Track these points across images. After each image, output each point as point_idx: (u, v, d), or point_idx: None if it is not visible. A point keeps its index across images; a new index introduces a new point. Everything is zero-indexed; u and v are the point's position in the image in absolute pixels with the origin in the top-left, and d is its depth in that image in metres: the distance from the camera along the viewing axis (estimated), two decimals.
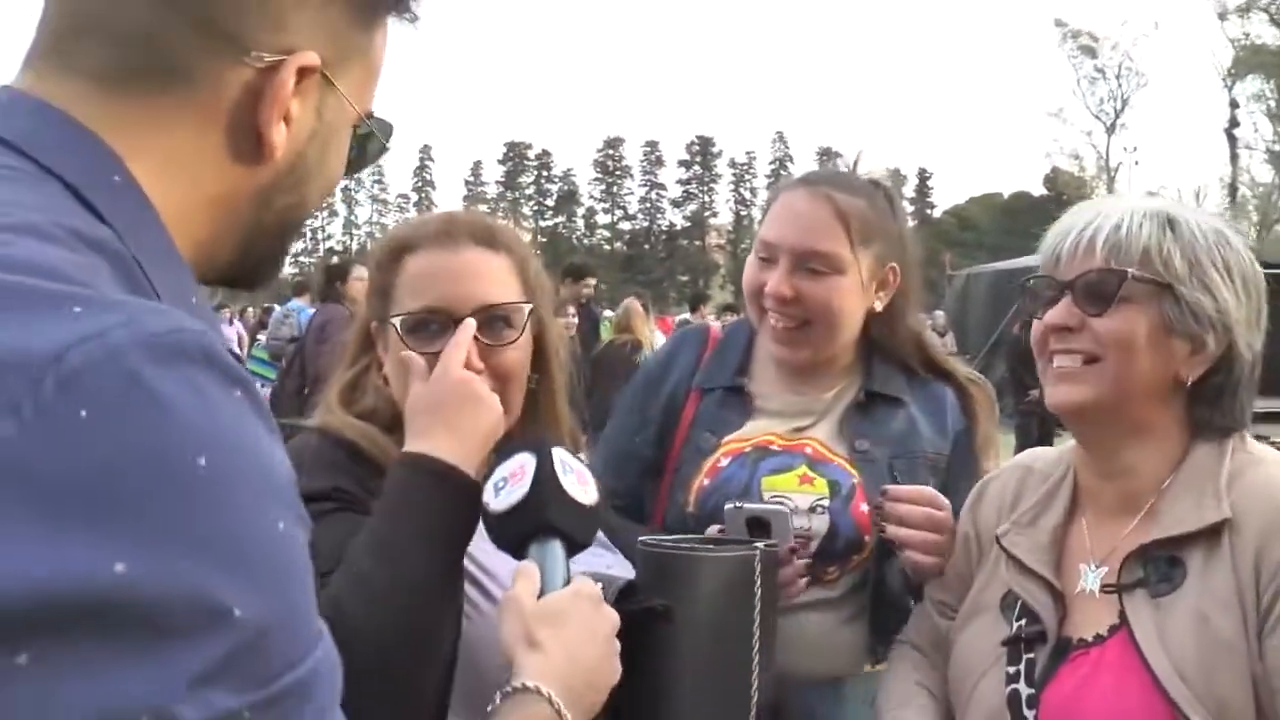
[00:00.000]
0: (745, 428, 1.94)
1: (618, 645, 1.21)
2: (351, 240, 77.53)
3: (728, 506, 1.69)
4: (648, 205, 78.84)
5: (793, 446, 1.90)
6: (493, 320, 1.47)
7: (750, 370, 1.99)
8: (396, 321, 1.46)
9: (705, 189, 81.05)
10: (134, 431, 0.59)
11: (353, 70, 0.89)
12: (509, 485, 1.27)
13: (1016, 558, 1.53)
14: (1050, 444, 12.48)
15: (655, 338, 9.60)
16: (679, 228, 77.75)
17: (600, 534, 1.43)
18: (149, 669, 0.58)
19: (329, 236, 78.86)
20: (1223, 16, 49.64)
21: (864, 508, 1.83)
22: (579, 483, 1.29)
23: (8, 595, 0.55)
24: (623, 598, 1.38)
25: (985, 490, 1.69)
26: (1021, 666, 1.47)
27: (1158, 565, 1.41)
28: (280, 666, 0.63)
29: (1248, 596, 1.33)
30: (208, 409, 0.62)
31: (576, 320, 9.31)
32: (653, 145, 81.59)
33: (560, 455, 1.30)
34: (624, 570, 1.50)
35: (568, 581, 1.22)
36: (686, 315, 17.99)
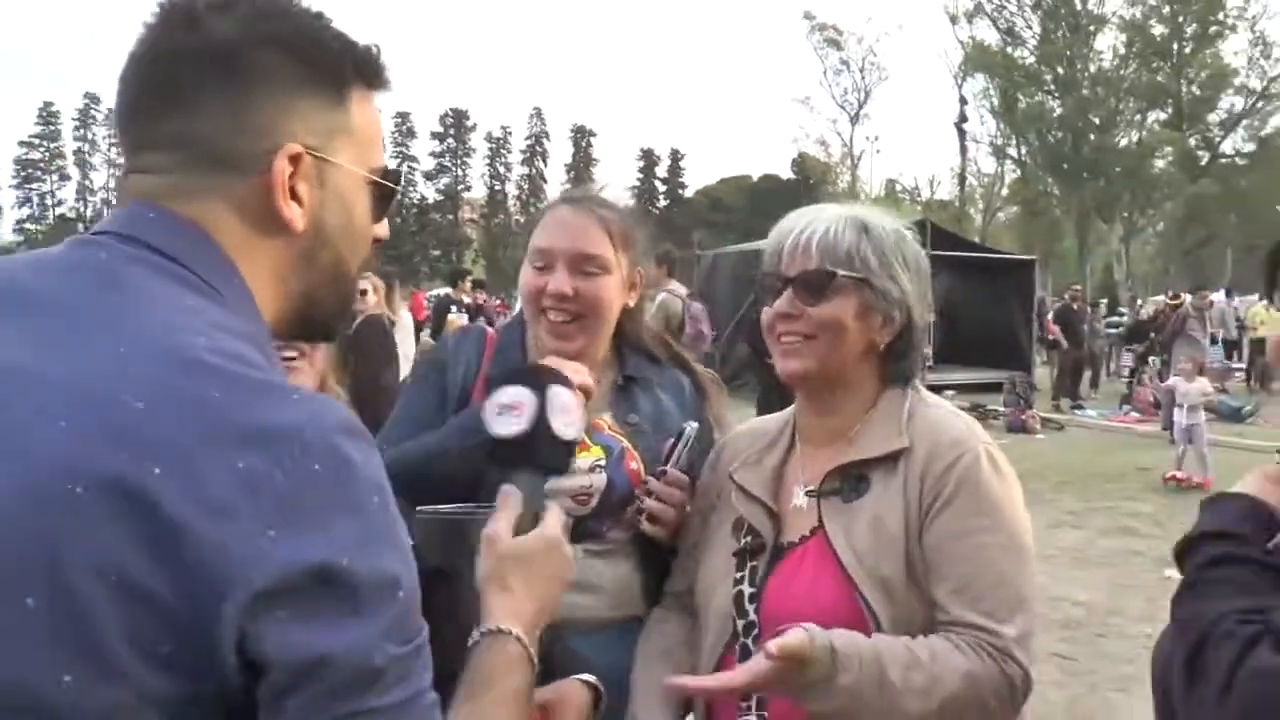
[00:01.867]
0: None
1: (568, 581, 1.43)
2: (85, 207, 72.38)
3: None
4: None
5: (599, 425, 2.17)
6: None
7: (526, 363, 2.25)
8: None
9: (459, 162, 79.97)
10: (344, 480, 0.94)
11: (341, 142, 1.13)
12: (510, 415, 1.50)
13: (743, 488, 1.88)
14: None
15: (405, 316, 9.19)
16: (431, 201, 76.31)
17: None
18: (359, 626, 0.92)
19: (60, 202, 73.61)
20: (954, 20, 52.83)
21: (634, 465, 2.11)
22: (565, 421, 1.51)
23: (276, 573, 0.88)
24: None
25: (724, 447, 2.07)
26: (746, 573, 1.82)
27: (850, 480, 1.79)
28: (416, 629, 0.99)
29: (912, 502, 1.73)
30: (371, 465, 0.97)
31: None
32: (404, 116, 79.56)
33: (554, 395, 1.51)
34: None
35: (542, 508, 1.44)
36: (446, 290, 17.36)
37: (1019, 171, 55.28)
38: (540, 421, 1.49)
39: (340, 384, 1.83)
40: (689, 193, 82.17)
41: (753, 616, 1.78)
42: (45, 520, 0.84)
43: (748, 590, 1.80)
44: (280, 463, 0.90)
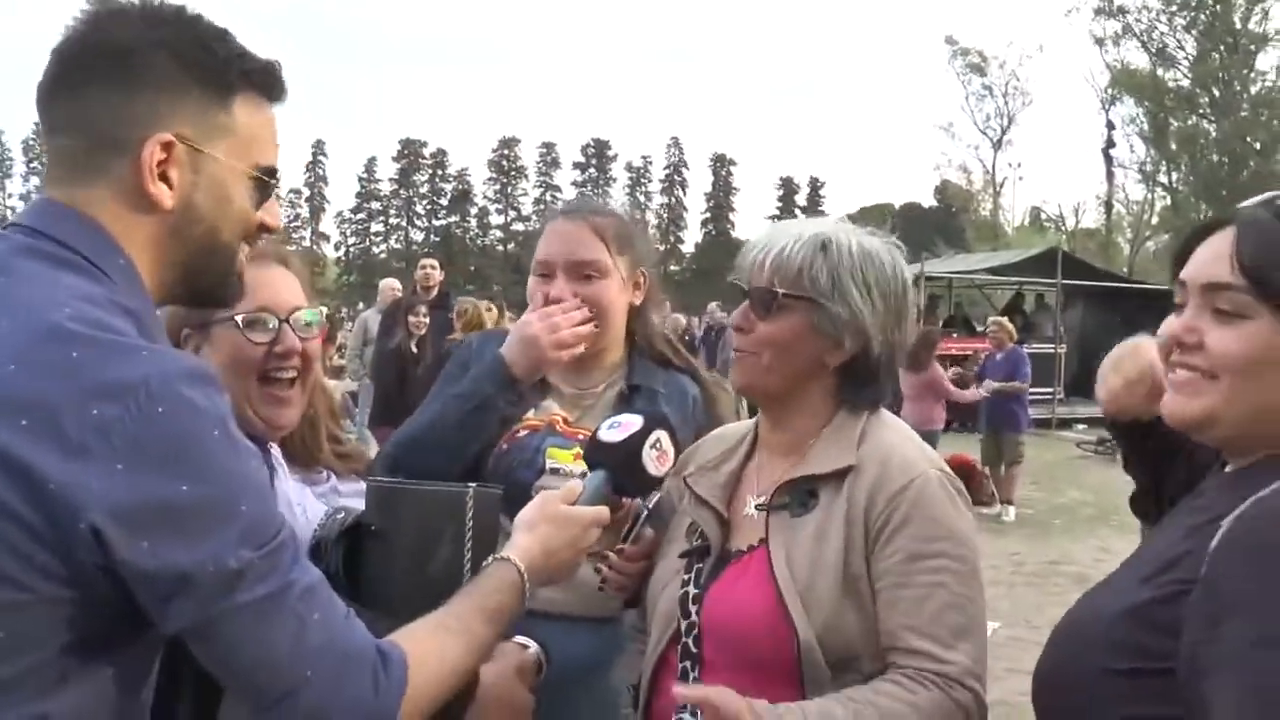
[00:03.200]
0: (541, 406, 2.39)
1: (582, 555, 1.67)
2: None
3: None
4: (542, 207, 78.60)
5: (570, 433, 2.35)
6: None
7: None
8: (239, 318, 1.80)
9: (600, 192, 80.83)
10: (184, 420, 1.17)
11: (220, 138, 1.34)
12: (616, 429, 1.79)
13: (696, 493, 1.92)
14: None
15: None
16: None
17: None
18: (209, 541, 1.16)
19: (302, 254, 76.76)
20: (1100, 43, 51.44)
21: None
22: (657, 459, 1.78)
23: (130, 508, 1.13)
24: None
25: (695, 450, 2.07)
26: (693, 575, 1.85)
27: (799, 495, 1.81)
28: (269, 534, 1.22)
29: (856, 522, 1.74)
30: (215, 404, 1.20)
31: (427, 318, 9.38)
32: (549, 146, 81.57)
33: (659, 436, 1.79)
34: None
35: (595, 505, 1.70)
36: None
37: (1169, 199, 53.40)
38: (635, 442, 1.76)
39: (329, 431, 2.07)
40: None
41: (694, 618, 1.81)
42: None
43: (692, 591, 1.82)
44: (128, 409, 1.12)
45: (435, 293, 9.93)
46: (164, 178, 1.30)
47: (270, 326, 1.82)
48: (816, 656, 1.69)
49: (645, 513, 1.99)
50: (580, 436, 2.28)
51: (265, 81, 1.38)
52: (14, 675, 1.15)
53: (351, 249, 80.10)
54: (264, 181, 1.39)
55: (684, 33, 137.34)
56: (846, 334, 1.81)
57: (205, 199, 1.33)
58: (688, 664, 1.80)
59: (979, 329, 19.41)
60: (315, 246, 79.84)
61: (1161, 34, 50.39)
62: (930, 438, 11.45)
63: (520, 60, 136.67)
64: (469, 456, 2.25)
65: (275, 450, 1.90)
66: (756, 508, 1.86)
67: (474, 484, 1.77)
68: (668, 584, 1.90)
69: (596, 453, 1.78)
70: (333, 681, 1.24)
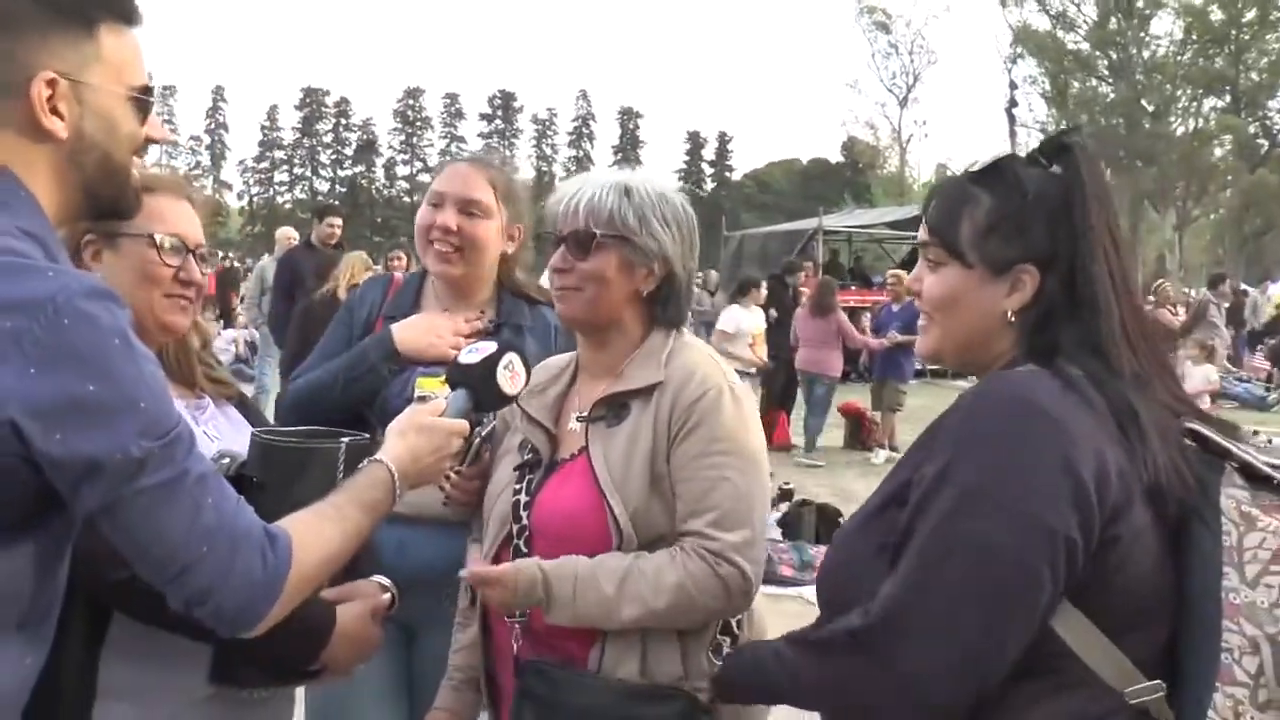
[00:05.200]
0: None
1: (449, 464, 1.88)
2: None
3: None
4: (448, 158, 76.89)
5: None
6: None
7: (420, 305, 2.78)
8: (157, 237, 2.01)
9: (507, 143, 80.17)
10: (86, 331, 1.31)
11: (94, 67, 1.47)
12: (474, 353, 1.98)
13: (527, 412, 2.17)
14: (793, 396, 12.60)
15: None
16: None
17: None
18: (113, 432, 1.33)
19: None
20: (1003, 3, 52.21)
21: None
22: (510, 379, 1.96)
23: (43, 405, 1.29)
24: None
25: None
26: (524, 485, 2.11)
27: (614, 408, 2.07)
28: (166, 428, 1.38)
29: (660, 429, 2.01)
30: (114, 317, 1.35)
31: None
32: (453, 97, 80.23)
33: (511, 358, 1.97)
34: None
35: (490, 431, 2.07)
36: None
37: None
38: (490, 364, 1.95)
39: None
40: (736, 175, 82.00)
41: (525, 522, 2.07)
42: None
43: (524, 499, 2.09)
44: (37, 321, 1.29)
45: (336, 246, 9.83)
46: (54, 111, 1.44)
47: (178, 250, 2.02)
48: (633, 543, 1.98)
49: (480, 437, 2.19)
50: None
51: (122, 7, 1.52)
52: None
53: (255, 199, 78.32)
54: (142, 100, 1.53)
55: None
56: (655, 263, 2.09)
57: (94, 125, 1.48)
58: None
59: (877, 281, 19.75)
60: (217, 195, 77.85)
61: None
62: (828, 385, 11.73)
63: (424, 8, 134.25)
64: (353, 403, 2.61)
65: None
66: (578, 419, 2.13)
67: (347, 437, 2.00)
68: (501, 493, 2.14)
69: (457, 373, 1.98)
70: (226, 557, 1.42)
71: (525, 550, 2.04)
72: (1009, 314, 1.62)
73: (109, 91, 1.49)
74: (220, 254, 28.72)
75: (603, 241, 2.06)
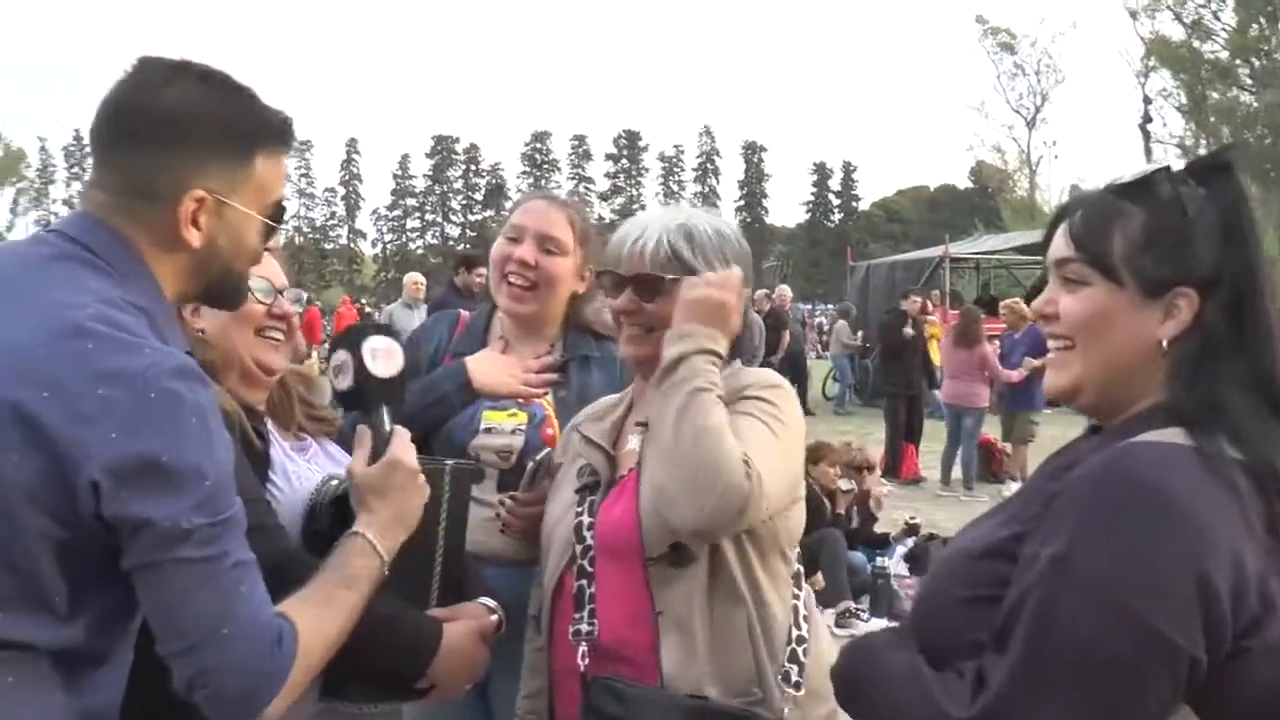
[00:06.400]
0: None
1: (424, 490, 1.85)
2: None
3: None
4: (576, 199, 78.41)
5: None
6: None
7: (488, 341, 2.81)
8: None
9: (633, 183, 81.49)
10: (169, 405, 1.41)
11: (242, 188, 1.58)
12: (340, 375, 1.89)
13: (586, 436, 2.18)
14: (919, 428, 12.13)
15: None
16: (607, 221, 77.66)
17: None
18: (173, 501, 1.41)
19: None
20: (1134, 15, 50.71)
21: (550, 431, 2.62)
22: (385, 360, 1.88)
23: (119, 465, 1.38)
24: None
25: (579, 419, 2.31)
26: (585, 506, 2.08)
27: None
28: (222, 510, 1.46)
29: None
30: (196, 397, 1.45)
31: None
32: (580, 139, 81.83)
33: (369, 345, 1.87)
34: None
35: (390, 432, 1.86)
36: None
37: None
38: (361, 371, 1.86)
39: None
40: (864, 205, 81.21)
41: (589, 541, 2.04)
42: None
43: (586, 520, 2.06)
44: (127, 391, 1.39)
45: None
46: (193, 223, 1.55)
47: (269, 291, 2.09)
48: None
49: (535, 464, 2.29)
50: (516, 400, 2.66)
51: (281, 138, 1.64)
52: (34, 605, 1.42)
53: (388, 245, 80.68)
54: (273, 224, 1.66)
55: (713, 21, 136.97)
56: None
57: (226, 241, 1.59)
58: (584, 582, 2.02)
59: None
60: (352, 244, 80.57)
61: (1197, 5, 49.61)
62: (976, 417, 11.43)
63: (550, 54, 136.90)
64: (424, 433, 2.55)
65: (270, 425, 2.16)
66: (637, 424, 2.13)
67: (452, 461, 2.06)
68: (563, 516, 2.13)
69: (351, 400, 1.91)
70: (240, 644, 1.47)
71: (590, 569, 2.02)
72: (1163, 343, 1.46)
73: (248, 214, 1.60)
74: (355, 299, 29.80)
75: (669, 285, 2.06)
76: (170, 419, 1.41)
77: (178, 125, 1.53)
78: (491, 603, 2.11)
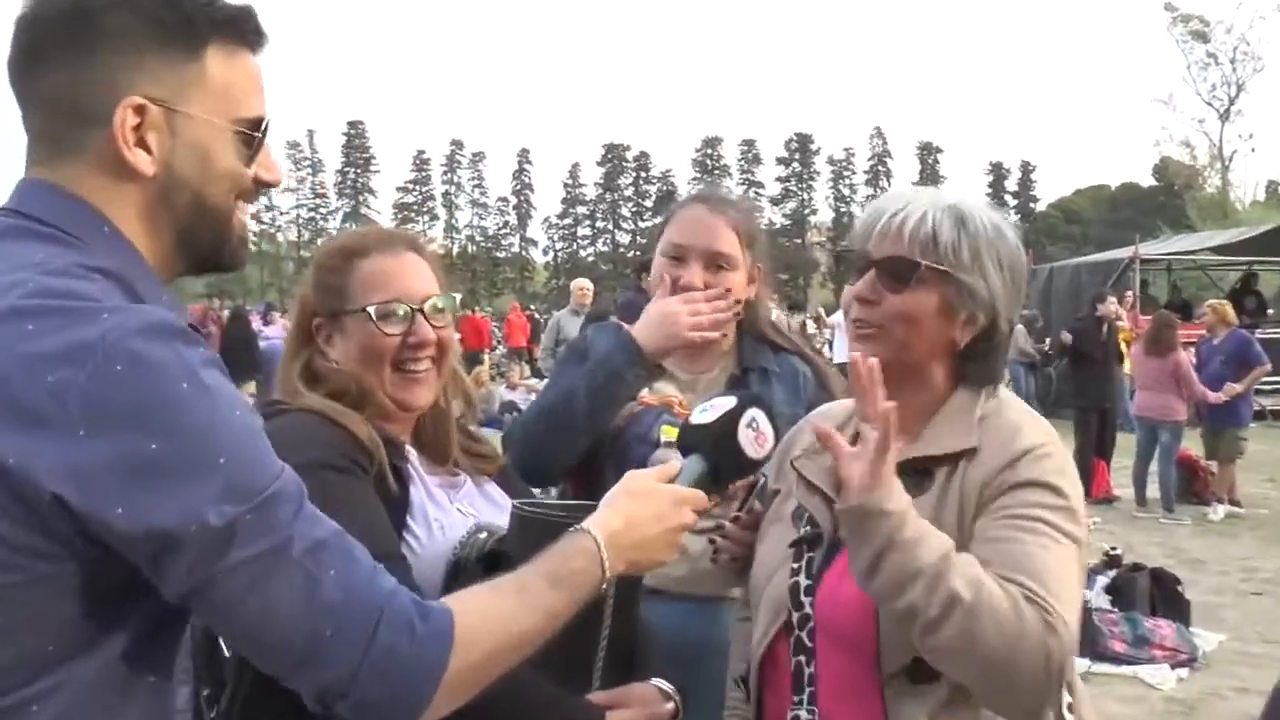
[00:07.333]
0: (655, 387, 2.45)
1: (674, 547, 1.53)
2: (453, 244, 78.71)
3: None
4: (737, 196, 77.95)
5: (684, 414, 2.21)
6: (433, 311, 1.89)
7: None
8: (372, 309, 1.83)
9: (804, 186, 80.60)
10: (144, 376, 1.09)
11: (195, 92, 1.25)
12: (708, 411, 1.67)
13: (804, 476, 1.83)
14: (1111, 442, 11.33)
15: None
16: (778, 226, 77.15)
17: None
18: (186, 498, 1.09)
19: (431, 240, 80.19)
20: None
21: None
22: (755, 440, 1.65)
23: (96, 473, 1.07)
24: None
25: (798, 432, 1.98)
26: (803, 564, 1.77)
27: (913, 477, 1.66)
28: (259, 486, 1.14)
29: (968, 502, 1.66)
30: (180, 356, 1.12)
31: None
32: (750, 144, 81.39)
33: (754, 415, 1.66)
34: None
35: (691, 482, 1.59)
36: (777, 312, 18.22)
37: None
38: (729, 422, 1.63)
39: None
40: (1041, 206, 78.65)
41: (808, 610, 1.73)
42: None
43: (804, 582, 1.75)
44: (84, 369, 1.07)
45: None
46: (141, 143, 1.23)
47: (403, 316, 1.83)
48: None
49: (764, 481, 1.97)
50: None
51: (238, 28, 1.29)
52: (17, 657, 1.12)
53: (559, 253, 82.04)
54: (249, 135, 1.30)
55: (886, 20, 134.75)
56: (981, 310, 1.73)
57: (187, 161, 1.26)
58: (802, 658, 1.74)
59: (1199, 315, 18.38)
60: (524, 252, 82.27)
61: None
62: (1173, 431, 10.61)
63: (719, 59, 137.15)
64: (596, 430, 2.34)
65: (412, 455, 1.89)
66: None
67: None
68: (775, 571, 1.81)
69: (690, 437, 1.66)
70: (360, 638, 1.17)
71: (809, 644, 1.73)
72: None
73: (208, 123, 1.26)
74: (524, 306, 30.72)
75: (926, 275, 1.71)
76: (151, 394, 1.09)
77: (90, 19, 1.21)
78: (667, 686, 1.82)
